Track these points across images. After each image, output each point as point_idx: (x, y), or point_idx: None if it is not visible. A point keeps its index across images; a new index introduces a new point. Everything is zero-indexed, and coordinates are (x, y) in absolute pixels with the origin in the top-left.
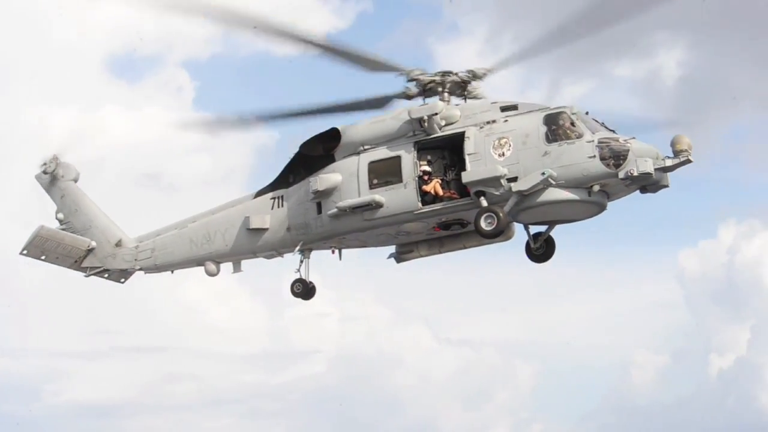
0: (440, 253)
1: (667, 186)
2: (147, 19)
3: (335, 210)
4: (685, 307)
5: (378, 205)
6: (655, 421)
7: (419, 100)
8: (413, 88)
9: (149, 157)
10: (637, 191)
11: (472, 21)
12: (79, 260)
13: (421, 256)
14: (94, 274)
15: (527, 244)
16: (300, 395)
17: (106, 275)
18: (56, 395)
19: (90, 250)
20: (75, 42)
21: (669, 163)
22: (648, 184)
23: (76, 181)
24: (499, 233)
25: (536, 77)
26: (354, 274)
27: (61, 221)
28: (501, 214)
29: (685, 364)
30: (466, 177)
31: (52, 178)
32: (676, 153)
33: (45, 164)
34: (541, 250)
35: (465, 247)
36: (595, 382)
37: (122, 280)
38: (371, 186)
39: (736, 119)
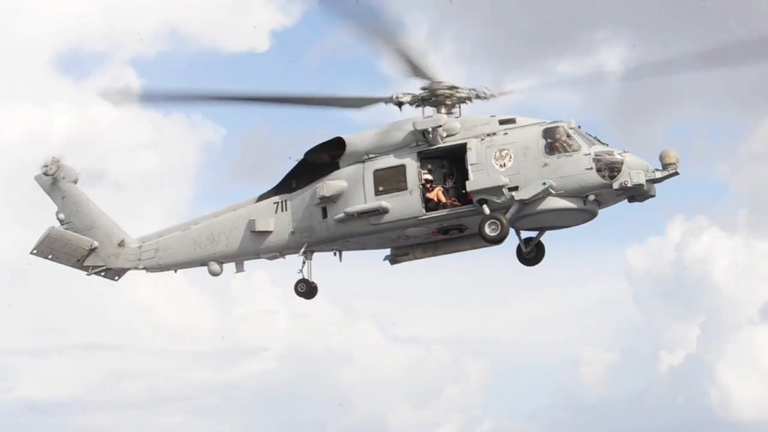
0: (434, 255)
1: (653, 196)
2: (94, 16)
3: (342, 215)
4: (634, 304)
5: (384, 211)
6: (605, 418)
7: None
8: (406, 99)
9: (95, 154)
10: (626, 200)
11: (416, 19)
12: (81, 259)
13: (416, 258)
14: (95, 273)
15: (518, 248)
16: (249, 393)
17: (103, 273)
18: (6, 392)
19: (92, 250)
20: (22, 39)
21: (658, 175)
22: (638, 194)
23: (75, 182)
24: (503, 239)
25: (480, 75)
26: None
27: (62, 221)
28: (504, 221)
29: (635, 362)
30: (470, 186)
31: (52, 180)
32: (665, 166)
33: (46, 166)
34: (532, 254)
35: (458, 251)
36: (545, 379)
37: (116, 278)
38: (377, 193)
39: (680, 117)
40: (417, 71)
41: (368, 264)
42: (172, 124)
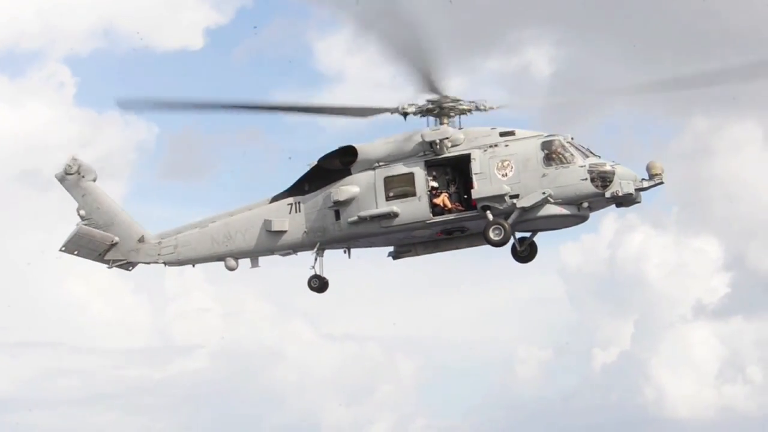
0: (434, 252)
1: (639, 202)
2: (28, 14)
3: (356, 218)
4: (567, 302)
5: (395, 215)
6: (539, 415)
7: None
8: (412, 110)
9: (30, 152)
10: (613, 205)
11: (343, 18)
12: (102, 254)
13: (418, 254)
14: (115, 266)
15: (513, 247)
16: (183, 390)
17: (119, 265)
18: None
19: (113, 245)
20: None
21: (646, 184)
22: (626, 201)
23: (95, 180)
24: (506, 242)
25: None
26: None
27: (83, 217)
28: (507, 227)
29: (569, 359)
30: (475, 194)
31: (74, 179)
32: (651, 176)
33: (68, 165)
34: (525, 252)
35: (458, 248)
36: (479, 377)
37: (130, 268)
38: (387, 198)
39: (610, 114)
40: (432, 87)
41: (300, 262)
42: (106, 122)
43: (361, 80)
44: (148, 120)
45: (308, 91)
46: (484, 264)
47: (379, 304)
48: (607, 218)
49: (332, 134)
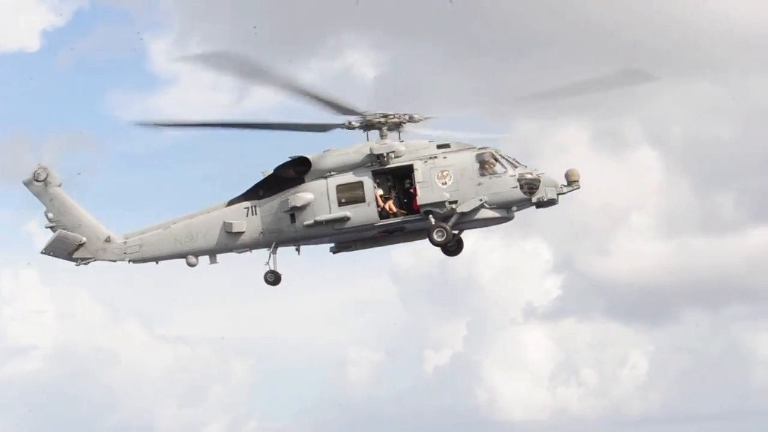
0: (373, 247)
1: (556, 204)
2: None
3: (312, 221)
4: (399, 304)
5: (347, 219)
6: (371, 417)
7: (360, 132)
8: (356, 123)
9: None
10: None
11: (181, 18)
12: (71, 252)
13: (358, 249)
14: (82, 264)
15: None
16: (15, 392)
17: (85, 263)
18: None
19: (81, 245)
20: None
21: (565, 190)
22: (547, 204)
23: (60, 186)
24: (448, 242)
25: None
26: (69, 270)
27: (50, 220)
28: (448, 229)
29: (401, 361)
30: (420, 200)
31: (42, 185)
32: (570, 183)
33: (36, 172)
34: (453, 246)
35: (394, 243)
36: (311, 379)
37: (86, 264)
38: (340, 204)
39: (435, 116)
40: (341, 109)
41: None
42: None
43: (194, 82)
44: None
45: (143, 93)
46: (317, 265)
47: (211, 305)
48: None
49: (168, 137)
